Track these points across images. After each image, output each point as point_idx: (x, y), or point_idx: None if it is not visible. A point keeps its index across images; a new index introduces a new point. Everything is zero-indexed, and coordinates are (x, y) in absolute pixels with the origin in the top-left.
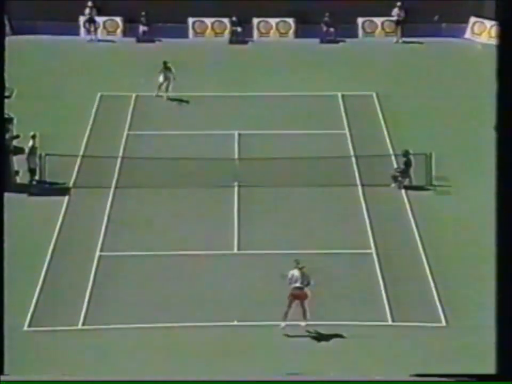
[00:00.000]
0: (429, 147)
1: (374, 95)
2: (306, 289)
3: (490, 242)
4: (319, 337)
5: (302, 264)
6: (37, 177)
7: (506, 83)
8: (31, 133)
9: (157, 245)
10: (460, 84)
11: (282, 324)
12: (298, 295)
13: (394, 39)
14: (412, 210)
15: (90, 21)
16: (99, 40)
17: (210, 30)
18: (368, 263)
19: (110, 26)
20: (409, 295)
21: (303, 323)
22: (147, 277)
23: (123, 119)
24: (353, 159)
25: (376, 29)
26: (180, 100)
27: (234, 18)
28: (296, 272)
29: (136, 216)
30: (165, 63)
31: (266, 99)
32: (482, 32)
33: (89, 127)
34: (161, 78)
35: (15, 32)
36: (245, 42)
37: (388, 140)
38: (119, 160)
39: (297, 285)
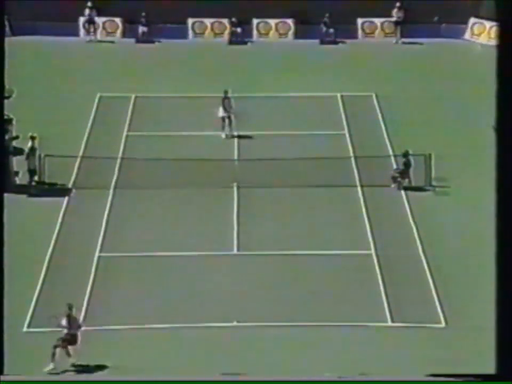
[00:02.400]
0: (428, 148)
1: (374, 95)
2: (78, 333)
3: (490, 242)
4: (319, 337)
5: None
6: (36, 178)
7: (506, 83)
8: (30, 134)
9: (156, 246)
10: (459, 84)
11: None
12: (70, 341)
13: (394, 40)
14: (411, 211)
15: (90, 21)
16: (99, 41)
17: (209, 31)
18: (367, 264)
19: (109, 27)
20: (409, 295)
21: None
22: (147, 278)
23: (122, 119)
24: (353, 160)
25: (376, 30)
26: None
27: (233, 19)
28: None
29: (135, 216)
30: (226, 92)
31: (266, 100)
32: (482, 32)
33: (88, 128)
34: (220, 112)
35: (14, 32)
36: (245, 43)
37: (387, 141)
38: (118, 161)
39: (70, 331)
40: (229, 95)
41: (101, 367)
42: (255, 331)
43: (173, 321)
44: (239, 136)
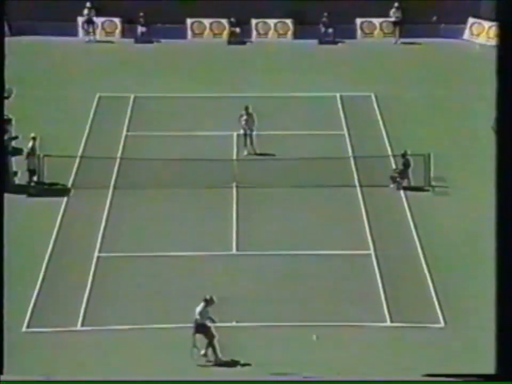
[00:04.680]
0: (427, 148)
1: (373, 95)
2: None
3: (489, 242)
4: (318, 337)
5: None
6: (35, 178)
7: (506, 83)
8: (31, 135)
9: (155, 246)
10: (458, 84)
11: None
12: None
13: (393, 40)
14: (410, 211)
15: (89, 21)
16: (97, 41)
17: (208, 31)
18: (366, 264)
19: (108, 27)
20: (408, 296)
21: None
22: (146, 278)
23: (121, 120)
24: (352, 160)
25: (375, 30)
26: None
27: (232, 19)
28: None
29: (134, 217)
30: (246, 108)
31: (265, 100)
32: (481, 33)
33: (87, 128)
34: (242, 130)
35: (13, 33)
36: (243, 43)
37: (386, 141)
38: (117, 161)
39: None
40: (250, 111)
41: (100, 367)
42: (254, 331)
43: (172, 321)
44: (261, 154)
